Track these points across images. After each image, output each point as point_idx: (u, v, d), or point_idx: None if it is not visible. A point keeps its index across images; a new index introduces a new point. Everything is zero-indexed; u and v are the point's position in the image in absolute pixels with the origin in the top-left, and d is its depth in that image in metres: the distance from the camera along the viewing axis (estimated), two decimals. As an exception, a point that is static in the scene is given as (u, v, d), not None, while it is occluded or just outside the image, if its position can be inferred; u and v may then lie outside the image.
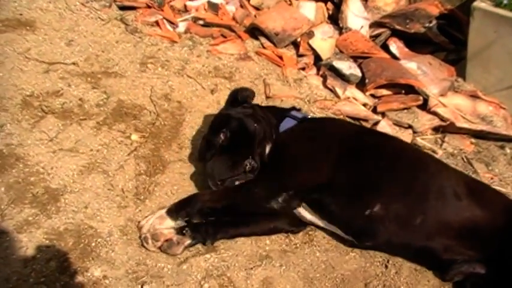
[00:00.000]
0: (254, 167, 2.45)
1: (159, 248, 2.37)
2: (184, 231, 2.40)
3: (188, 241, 2.39)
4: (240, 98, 2.71)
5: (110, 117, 2.94)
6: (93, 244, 2.34)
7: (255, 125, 2.57)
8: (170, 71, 3.45)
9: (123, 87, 3.16)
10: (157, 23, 3.92)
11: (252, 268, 2.39)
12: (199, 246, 2.45)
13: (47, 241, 2.30)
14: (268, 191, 2.44)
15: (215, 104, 3.30)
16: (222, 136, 2.53)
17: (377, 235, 2.38)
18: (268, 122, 2.68)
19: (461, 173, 2.75)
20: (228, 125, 2.56)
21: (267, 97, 3.51)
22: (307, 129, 2.68)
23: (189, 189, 2.74)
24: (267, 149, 2.58)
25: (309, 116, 2.95)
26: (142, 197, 2.61)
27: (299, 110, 2.92)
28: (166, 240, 2.37)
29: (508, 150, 4.28)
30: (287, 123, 2.73)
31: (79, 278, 2.18)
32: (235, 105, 2.72)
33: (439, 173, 2.50)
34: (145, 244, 2.37)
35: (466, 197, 2.38)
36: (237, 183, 2.45)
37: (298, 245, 2.56)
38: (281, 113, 2.83)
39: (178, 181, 2.76)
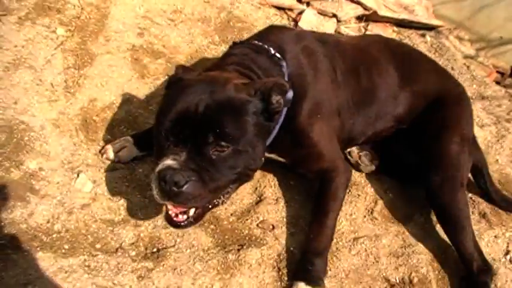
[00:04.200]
0: None
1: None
2: None
3: None
4: None
5: (32, 12, 2.88)
6: (26, 138, 2.38)
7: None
8: (92, -38, 3.37)
9: (43, -20, 3.09)
10: None
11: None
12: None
13: (-21, 137, 2.33)
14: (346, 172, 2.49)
15: (140, -5, 3.30)
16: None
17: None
18: None
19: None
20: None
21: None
22: None
23: (118, 80, 2.82)
24: None
25: None
26: (72, 90, 2.66)
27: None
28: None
29: (428, 38, 4.52)
30: None
31: (15, 172, 2.24)
32: None
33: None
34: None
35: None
36: None
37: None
38: None
39: (107, 73, 2.82)
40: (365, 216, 2.60)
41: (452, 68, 4.24)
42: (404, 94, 2.72)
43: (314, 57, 2.48)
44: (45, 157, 2.36)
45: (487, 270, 2.41)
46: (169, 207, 1.99)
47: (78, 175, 2.34)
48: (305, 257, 2.19)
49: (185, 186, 1.84)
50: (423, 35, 4.60)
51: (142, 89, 2.85)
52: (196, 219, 2.03)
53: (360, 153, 2.81)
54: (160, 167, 1.87)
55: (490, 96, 4.10)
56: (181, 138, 1.91)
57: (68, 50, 2.83)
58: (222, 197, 2.06)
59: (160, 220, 2.28)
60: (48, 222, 2.13)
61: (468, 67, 4.36)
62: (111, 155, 2.45)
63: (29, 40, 2.78)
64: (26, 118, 2.46)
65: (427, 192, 2.56)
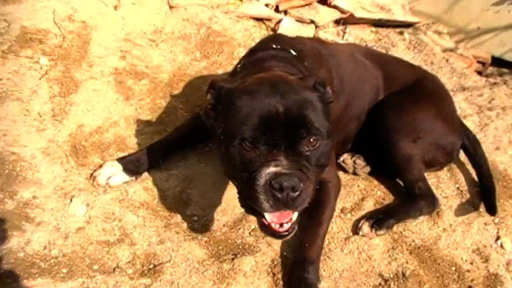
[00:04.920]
0: None
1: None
2: None
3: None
4: None
5: (15, 44, 2.94)
6: (18, 168, 2.43)
7: None
8: (70, -9, 3.44)
9: (23, 13, 3.12)
10: None
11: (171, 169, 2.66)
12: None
13: (-29, 172, 2.37)
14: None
15: (120, 19, 3.37)
16: None
17: None
18: None
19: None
20: None
21: (171, 7, 3.59)
22: None
23: (104, 104, 2.88)
24: None
25: None
26: (59, 117, 2.72)
27: None
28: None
29: (406, 36, 4.60)
30: None
31: (9, 202, 2.30)
32: None
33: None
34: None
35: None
36: None
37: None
38: None
39: (93, 98, 2.88)
40: (353, 216, 2.65)
41: (432, 63, 4.32)
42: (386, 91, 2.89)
43: (321, 57, 2.60)
44: (37, 185, 2.41)
45: (428, 198, 2.66)
46: (270, 218, 1.90)
47: (71, 200, 2.39)
48: (300, 266, 2.22)
49: (300, 189, 1.76)
50: (401, 33, 4.67)
51: (128, 111, 2.92)
52: (297, 223, 1.96)
53: (353, 158, 2.89)
54: (266, 177, 1.77)
55: (471, 87, 4.17)
56: (272, 143, 1.82)
57: (52, 79, 2.88)
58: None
59: (154, 237, 2.33)
60: (45, 248, 2.18)
61: (447, 60, 4.44)
62: (101, 182, 2.50)
63: (14, 72, 2.83)
64: (17, 149, 2.51)
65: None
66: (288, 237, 1.95)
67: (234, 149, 1.85)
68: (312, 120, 1.86)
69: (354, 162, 2.88)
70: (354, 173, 2.90)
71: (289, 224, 1.91)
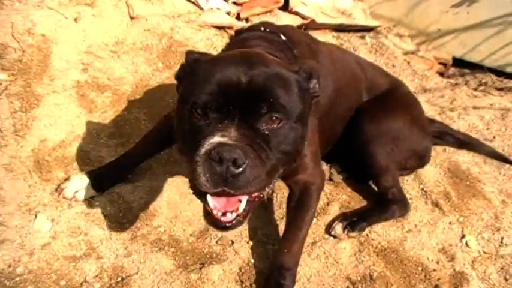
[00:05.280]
0: None
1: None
2: None
3: None
4: None
5: (-28, 60, 2.93)
6: None
7: None
8: (29, 5, 3.37)
9: (-20, 28, 3.12)
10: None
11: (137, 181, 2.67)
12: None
13: None
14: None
15: (80, 32, 3.36)
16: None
17: None
18: None
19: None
20: None
21: (132, 18, 3.60)
22: None
23: (67, 118, 2.86)
24: None
25: None
26: (21, 133, 2.69)
27: None
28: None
29: (368, 39, 4.70)
30: None
31: None
32: None
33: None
34: None
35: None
36: None
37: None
38: None
39: (55, 112, 2.86)
40: (319, 220, 2.70)
41: (394, 66, 4.43)
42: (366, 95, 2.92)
43: (312, 48, 2.48)
44: (0, 203, 2.39)
45: (401, 202, 2.75)
46: (213, 204, 1.67)
47: (36, 216, 2.37)
48: (277, 272, 2.19)
49: (245, 165, 1.52)
50: (362, 37, 4.77)
51: (91, 124, 2.91)
52: (245, 217, 1.72)
53: (329, 163, 2.96)
54: (207, 146, 1.56)
55: (432, 89, 4.30)
56: (226, 113, 1.63)
57: (12, 94, 2.85)
58: (268, 187, 1.73)
59: (121, 249, 2.34)
60: (9, 266, 2.16)
61: (409, 63, 4.56)
62: (67, 195, 2.48)
63: (-28, 88, 2.80)
64: (-22, 166, 2.47)
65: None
66: (230, 230, 1.73)
67: (185, 116, 1.69)
68: (277, 95, 1.66)
69: (330, 167, 2.94)
70: (330, 179, 2.95)
71: (234, 215, 1.67)
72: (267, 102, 1.63)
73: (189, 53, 1.92)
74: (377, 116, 2.79)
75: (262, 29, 2.32)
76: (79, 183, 2.51)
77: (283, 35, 2.30)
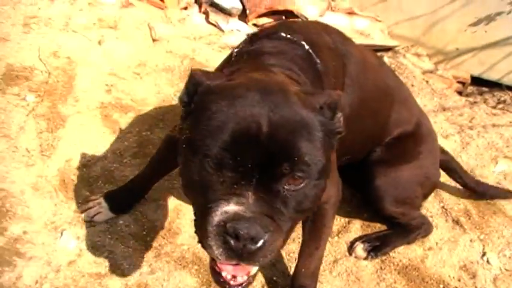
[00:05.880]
0: None
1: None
2: None
3: None
4: None
5: (1, 82, 3.00)
6: (8, 205, 2.45)
7: None
8: (55, 28, 3.50)
9: (9, 52, 3.20)
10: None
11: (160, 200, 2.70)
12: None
13: (-40, 209, 2.39)
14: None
15: (104, 54, 3.44)
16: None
17: None
18: None
19: None
20: None
21: (154, 40, 3.68)
22: None
23: (91, 138, 2.92)
24: None
25: None
26: (48, 152, 2.76)
27: None
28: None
29: (386, 59, 4.72)
30: None
31: (0, 238, 2.32)
32: None
33: None
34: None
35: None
36: None
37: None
38: None
39: (80, 132, 2.92)
40: (340, 238, 2.71)
41: (412, 85, 4.42)
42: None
43: (340, 48, 2.18)
44: (28, 220, 2.43)
45: (424, 226, 2.73)
46: (223, 267, 1.48)
47: (61, 234, 2.42)
48: None
49: (263, 240, 1.33)
50: (381, 57, 4.79)
51: (115, 144, 2.96)
52: (254, 277, 1.56)
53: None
54: (221, 216, 1.35)
55: (452, 107, 4.27)
56: (242, 172, 1.36)
57: (39, 115, 2.93)
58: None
59: (145, 267, 2.36)
60: (36, 283, 2.20)
61: (427, 82, 4.55)
62: (86, 219, 2.52)
63: (1, 110, 2.88)
64: (6, 185, 2.54)
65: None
66: None
67: (195, 166, 1.41)
68: (302, 153, 1.39)
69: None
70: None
71: (245, 277, 1.50)
72: (289, 161, 1.37)
73: (195, 76, 1.56)
74: (408, 157, 2.63)
75: (283, 34, 1.97)
76: (97, 208, 2.54)
77: (306, 41, 1.97)
